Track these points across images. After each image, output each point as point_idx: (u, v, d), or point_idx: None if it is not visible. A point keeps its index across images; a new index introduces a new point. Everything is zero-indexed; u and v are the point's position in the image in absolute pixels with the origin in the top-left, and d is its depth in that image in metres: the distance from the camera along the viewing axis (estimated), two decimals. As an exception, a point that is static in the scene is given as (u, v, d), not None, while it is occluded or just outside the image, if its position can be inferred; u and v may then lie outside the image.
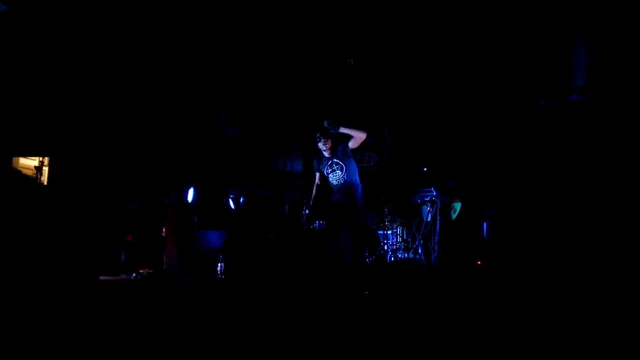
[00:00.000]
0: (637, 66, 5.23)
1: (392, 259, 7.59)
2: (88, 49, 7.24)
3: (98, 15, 7.06)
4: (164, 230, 6.25)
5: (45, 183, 6.87)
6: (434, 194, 6.79)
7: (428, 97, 8.75)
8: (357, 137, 4.86)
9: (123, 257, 6.06)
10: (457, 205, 6.92)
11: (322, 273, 4.29)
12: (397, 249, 7.73)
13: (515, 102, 7.36)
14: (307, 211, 5.35)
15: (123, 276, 5.76)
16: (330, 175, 5.01)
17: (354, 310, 4.03)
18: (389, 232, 7.74)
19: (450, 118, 8.37)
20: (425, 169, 7.85)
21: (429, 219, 6.83)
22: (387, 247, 7.68)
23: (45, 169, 7.05)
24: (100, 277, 5.39)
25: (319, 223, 7.33)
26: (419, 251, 6.89)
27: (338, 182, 4.96)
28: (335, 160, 4.97)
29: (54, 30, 6.80)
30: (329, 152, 5.00)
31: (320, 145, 5.03)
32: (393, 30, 8.36)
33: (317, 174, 5.21)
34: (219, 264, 5.76)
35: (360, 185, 4.98)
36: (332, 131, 4.84)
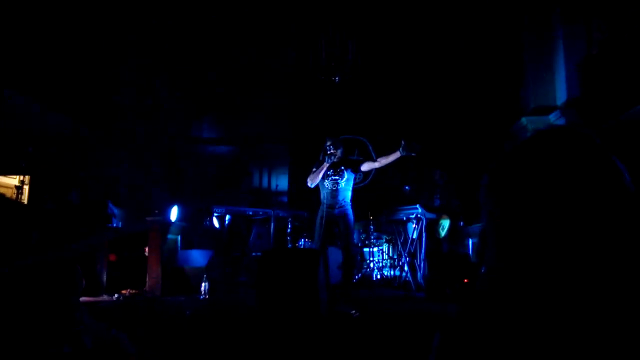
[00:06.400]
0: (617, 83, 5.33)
1: (379, 276, 7.57)
2: (68, 62, 7.18)
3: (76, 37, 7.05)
4: (146, 250, 6.13)
5: (26, 202, 6.73)
6: (419, 210, 6.77)
7: (412, 114, 8.82)
8: (373, 165, 5.05)
9: (105, 277, 5.93)
10: (445, 223, 6.91)
11: (308, 292, 4.23)
12: (383, 267, 7.71)
13: (498, 118, 7.44)
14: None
15: (105, 297, 5.63)
16: (327, 179, 4.89)
17: (341, 330, 3.98)
18: (375, 249, 7.72)
19: (435, 134, 8.42)
20: (407, 188, 7.86)
21: (414, 236, 6.81)
22: (373, 264, 7.66)
23: (26, 188, 6.91)
24: (82, 299, 5.27)
25: (304, 241, 7.29)
26: (405, 269, 6.87)
27: (334, 188, 4.85)
28: (342, 167, 4.91)
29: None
30: (338, 158, 4.94)
31: (331, 149, 4.93)
32: (379, 46, 8.46)
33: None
34: (203, 284, 5.67)
35: (351, 204, 4.95)
36: (406, 153, 4.67)
